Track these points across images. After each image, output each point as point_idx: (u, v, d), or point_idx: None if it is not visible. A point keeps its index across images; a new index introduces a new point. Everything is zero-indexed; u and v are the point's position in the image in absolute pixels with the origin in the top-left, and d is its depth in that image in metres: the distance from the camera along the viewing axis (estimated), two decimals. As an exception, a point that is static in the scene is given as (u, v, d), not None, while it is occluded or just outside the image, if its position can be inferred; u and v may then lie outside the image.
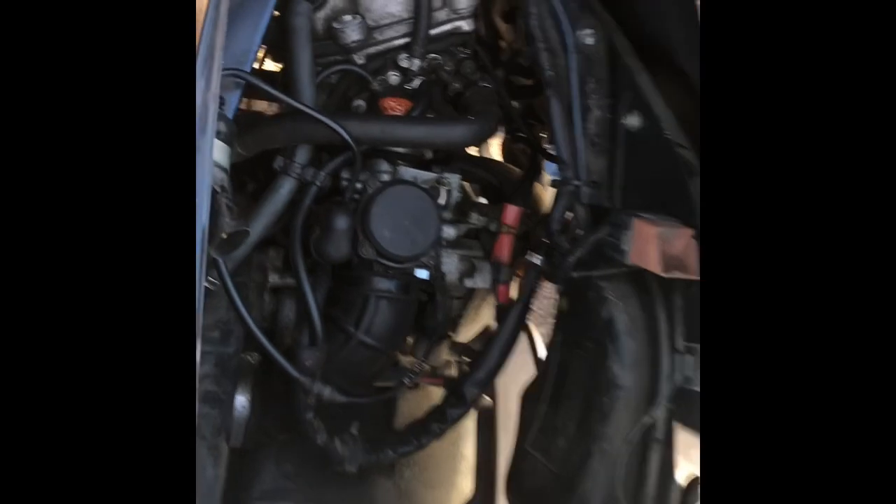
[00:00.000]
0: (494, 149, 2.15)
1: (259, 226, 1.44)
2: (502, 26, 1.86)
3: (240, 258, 1.45)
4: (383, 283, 1.44)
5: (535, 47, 1.42)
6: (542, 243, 1.49)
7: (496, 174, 1.76)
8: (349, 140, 1.38)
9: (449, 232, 1.53)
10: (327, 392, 1.39)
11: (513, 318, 1.58)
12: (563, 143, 1.42)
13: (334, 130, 1.37)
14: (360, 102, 1.54)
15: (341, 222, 1.38)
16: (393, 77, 1.53)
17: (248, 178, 1.61)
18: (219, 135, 1.19)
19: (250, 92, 1.63)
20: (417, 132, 1.40)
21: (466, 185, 1.88)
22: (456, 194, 1.54)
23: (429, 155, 1.55)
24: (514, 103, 1.78)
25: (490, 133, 1.45)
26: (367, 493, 1.71)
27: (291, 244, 1.41)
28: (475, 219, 1.66)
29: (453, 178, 1.53)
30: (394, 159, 1.51)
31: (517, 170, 1.83)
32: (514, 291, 1.62)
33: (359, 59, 1.53)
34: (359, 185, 1.45)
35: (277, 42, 1.62)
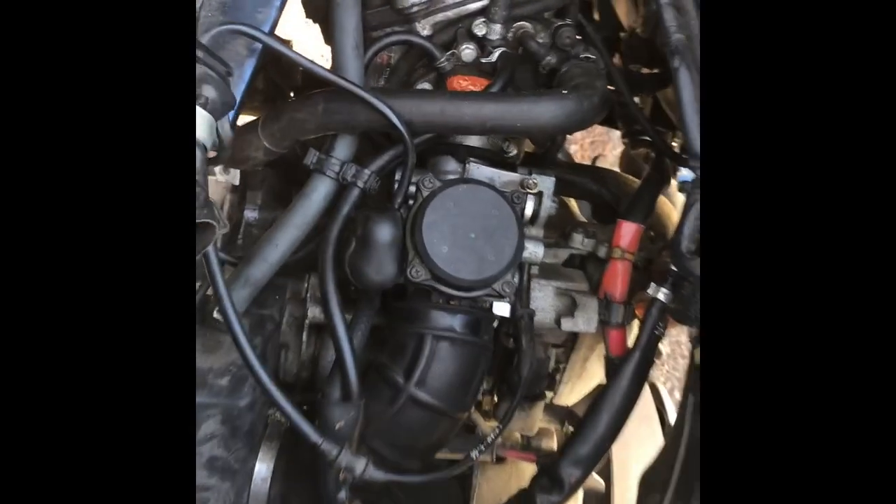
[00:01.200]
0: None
1: (286, 239, 1.09)
2: (620, 2, 1.47)
3: (260, 283, 1.11)
4: (444, 319, 1.05)
5: (658, 2, 1.02)
6: (668, 273, 1.07)
7: (608, 185, 1.35)
8: (397, 123, 1.02)
9: (539, 254, 1.13)
10: (361, 466, 1.01)
11: (629, 374, 1.15)
12: (695, 130, 1.00)
13: (377, 111, 1.02)
14: (424, 85, 1.19)
15: (384, 232, 1.01)
16: (467, 51, 1.16)
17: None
18: (204, 103, 0.86)
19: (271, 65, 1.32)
20: (488, 110, 1.02)
21: (572, 202, 1.48)
22: (549, 204, 1.14)
23: (512, 151, 1.16)
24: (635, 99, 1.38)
25: (592, 114, 1.05)
26: None
27: (321, 262, 1.06)
28: (579, 241, 1.26)
29: (545, 182, 1.14)
30: (463, 155, 1.14)
31: (636, 181, 1.41)
32: (631, 338, 1.21)
33: (423, 29, 1.18)
34: (412, 187, 1.08)
35: (319, 13, 1.31)
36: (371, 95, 1.03)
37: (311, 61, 1.03)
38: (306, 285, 1.22)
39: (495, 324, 1.15)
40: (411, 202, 1.09)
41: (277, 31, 1.77)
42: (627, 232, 1.20)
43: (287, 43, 1.62)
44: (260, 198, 1.33)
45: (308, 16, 1.38)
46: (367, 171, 1.08)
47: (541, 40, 1.19)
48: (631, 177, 1.41)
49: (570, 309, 1.23)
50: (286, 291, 1.22)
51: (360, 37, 1.10)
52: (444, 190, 1.03)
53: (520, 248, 1.04)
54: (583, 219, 1.45)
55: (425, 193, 1.06)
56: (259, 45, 1.02)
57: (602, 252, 1.25)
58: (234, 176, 1.25)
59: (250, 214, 1.29)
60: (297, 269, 1.20)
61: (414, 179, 1.09)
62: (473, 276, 1.02)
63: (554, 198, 1.16)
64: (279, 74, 1.50)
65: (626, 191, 1.38)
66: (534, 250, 1.11)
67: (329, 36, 1.12)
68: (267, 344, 1.17)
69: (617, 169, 1.60)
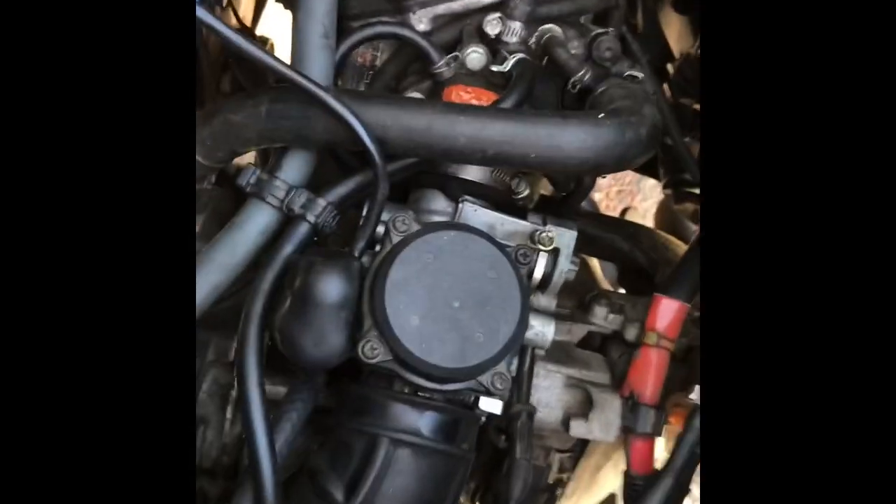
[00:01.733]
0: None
1: (205, 284, 0.80)
2: (673, 20, 1.18)
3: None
4: (406, 417, 0.75)
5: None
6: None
7: (642, 245, 1.05)
8: (365, 138, 0.74)
9: (548, 336, 0.82)
10: None
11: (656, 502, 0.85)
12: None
13: (340, 118, 0.73)
14: (414, 96, 0.90)
15: (331, 288, 0.71)
16: (474, 55, 0.87)
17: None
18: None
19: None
20: (494, 131, 0.73)
21: (594, 263, 1.18)
22: (567, 266, 0.84)
23: (523, 191, 0.87)
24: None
25: (637, 150, 0.76)
26: None
27: (244, 319, 0.76)
28: (601, 316, 0.97)
29: (565, 235, 0.84)
30: (456, 191, 0.84)
31: (680, 244, 1.10)
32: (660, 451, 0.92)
33: (419, 22, 0.89)
34: (381, 228, 0.78)
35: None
36: (332, 96, 0.74)
37: (256, 45, 0.74)
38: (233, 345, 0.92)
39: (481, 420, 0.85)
40: (377, 248, 0.79)
41: (258, 29, 1.51)
42: (667, 311, 0.91)
43: (256, 39, 1.36)
44: (200, 224, 1.04)
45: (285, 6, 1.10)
46: (321, 202, 0.79)
47: (573, 49, 0.90)
48: (672, 238, 1.11)
49: (584, 407, 0.93)
50: (208, 350, 0.92)
51: (331, 24, 0.81)
52: (422, 236, 0.73)
53: (522, 326, 0.74)
54: (607, 285, 1.15)
55: (395, 238, 0.76)
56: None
57: (631, 334, 0.95)
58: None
59: (179, 246, 1.00)
60: (227, 319, 0.90)
61: (385, 217, 0.79)
62: (452, 363, 0.71)
63: (574, 258, 0.86)
64: (246, 74, 1.23)
65: (666, 256, 1.07)
66: (541, 330, 0.81)
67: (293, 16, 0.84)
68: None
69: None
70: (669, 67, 1.25)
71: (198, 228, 1.04)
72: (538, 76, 0.86)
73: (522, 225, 0.83)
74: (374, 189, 0.76)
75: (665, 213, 1.31)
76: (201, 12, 0.71)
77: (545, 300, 0.86)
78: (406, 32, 0.87)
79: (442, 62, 0.87)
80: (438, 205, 0.84)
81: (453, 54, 0.88)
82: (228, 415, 0.93)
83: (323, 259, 0.72)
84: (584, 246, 0.98)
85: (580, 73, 0.87)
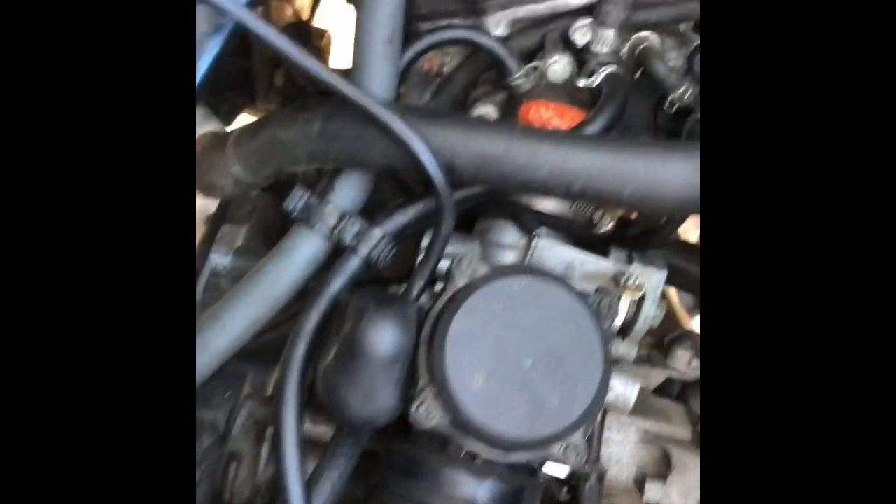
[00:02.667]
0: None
1: (242, 320, 0.71)
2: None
3: (203, 374, 0.73)
4: (464, 486, 0.65)
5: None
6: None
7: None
8: (430, 166, 0.64)
9: (630, 397, 0.72)
10: None
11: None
12: None
13: (402, 142, 0.63)
14: (486, 110, 0.79)
15: (384, 341, 0.61)
16: (557, 65, 0.76)
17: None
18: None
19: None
20: (581, 163, 0.62)
21: (675, 297, 1.06)
22: (653, 311, 0.74)
23: (606, 224, 0.76)
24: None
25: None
26: None
27: (284, 365, 0.67)
28: (683, 361, 0.88)
29: (653, 277, 0.73)
30: (531, 222, 0.73)
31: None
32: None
33: (496, 26, 0.79)
34: (443, 266, 0.69)
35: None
36: (396, 116, 0.64)
37: (306, 53, 0.65)
38: (277, 376, 0.83)
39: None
40: (438, 288, 0.69)
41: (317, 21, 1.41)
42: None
43: (307, 30, 1.27)
44: (242, 237, 0.96)
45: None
46: (376, 233, 0.69)
47: (671, 62, 0.79)
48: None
49: (661, 467, 0.82)
50: (245, 384, 0.83)
51: (397, 28, 0.71)
52: (491, 282, 0.63)
53: (602, 391, 0.63)
54: (688, 321, 1.03)
55: (459, 281, 0.66)
56: (228, 21, 0.64)
57: (718, 385, 0.83)
58: (210, 202, 0.89)
59: (219, 260, 0.91)
60: (265, 350, 0.82)
61: (449, 251, 0.69)
62: (521, 432, 0.61)
63: (662, 302, 0.75)
64: (300, 71, 1.14)
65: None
66: (623, 392, 0.70)
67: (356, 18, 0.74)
68: (201, 465, 0.79)
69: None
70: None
71: (240, 242, 0.96)
72: (631, 93, 0.75)
73: (605, 265, 0.72)
74: (437, 222, 0.66)
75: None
76: (244, 13, 0.62)
77: (625, 348, 0.75)
78: (481, 38, 0.76)
79: (520, 73, 0.77)
80: (509, 238, 0.74)
81: (533, 64, 0.77)
82: (264, 453, 0.85)
83: (376, 304, 0.62)
84: (669, 277, 0.87)
85: (680, 91, 0.75)
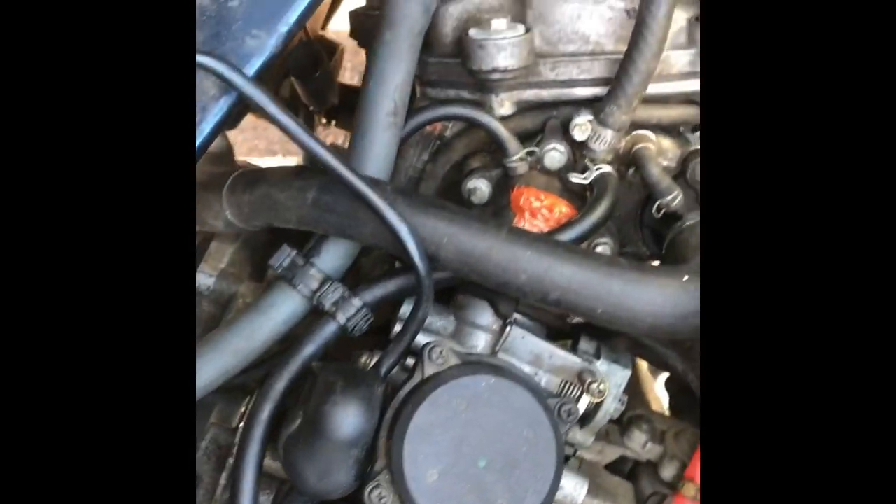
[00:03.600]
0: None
1: (214, 368, 0.73)
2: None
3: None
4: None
5: None
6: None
7: (697, 368, 0.95)
8: (415, 255, 0.65)
9: (577, 497, 0.73)
10: None
11: None
12: None
13: (390, 227, 0.65)
14: (479, 184, 0.81)
15: (347, 423, 0.63)
16: (554, 153, 0.78)
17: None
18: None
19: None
20: (561, 275, 0.64)
21: (642, 365, 1.09)
22: (614, 406, 0.76)
23: (576, 319, 0.78)
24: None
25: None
26: None
27: (245, 429, 0.69)
28: (638, 442, 0.89)
29: (616, 374, 0.76)
30: (507, 309, 0.75)
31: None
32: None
33: (500, 105, 0.80)
34: (418, 341, 0.71)
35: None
36: (388, 204, 0.65)
37: (303, 127, 0.66)
38: (243, 409, 0.86)
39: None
40: (410, 362, 0.71)
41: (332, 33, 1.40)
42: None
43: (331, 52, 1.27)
44: (227, 258, 0.96)
45: (361, 45, 1.01)
46: (356, 303, 0.71)
47: (665, 162, 0.80)
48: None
49: (603, 547, 0.85)
50: (211, 412, 0.85)
51: (402, 99, 0.72)
52: (458, 378, 0.65)
53: (551, 497, 0.66)
54: (654, 396, 1.06)
55: (428, 370, 0.68)
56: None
57: (668, 472, 0.87)
58: (199, 221, 0.89)
59: (203, 281, 0.92)
60: (234, 387, 0.83)
61: (424, 336, 0.71)
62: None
63: (623, 397, 0.77)
64: (305, 88, 1.14)
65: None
66: (571, 493, 0.72)
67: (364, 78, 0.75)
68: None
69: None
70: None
71: (225, 262, 0.97)
72: (622, 194, 0.76)
73: (572, 361, 0.74)
74: (416, 305, 0.68)
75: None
76: (251, 89, 0.63)
77: (582, 436, 0.78)
78: (483, 118, 0.78)
79: (517, 156, 0.78)
80: (485, 320, 0.75)
81: (530, 148, 0.79)
82: (223, 480, 0.87)
83: (343, 386, 0.64)
84: (637, 348, 0.89)
85: (669, 197, 0.77)
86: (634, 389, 1.05)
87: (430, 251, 0.66)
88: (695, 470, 0.82)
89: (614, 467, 0.92)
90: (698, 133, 0.83)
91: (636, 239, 0.84)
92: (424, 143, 0.86)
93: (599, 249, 0.83)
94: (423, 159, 0.86)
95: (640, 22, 0.71)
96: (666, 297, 0.64)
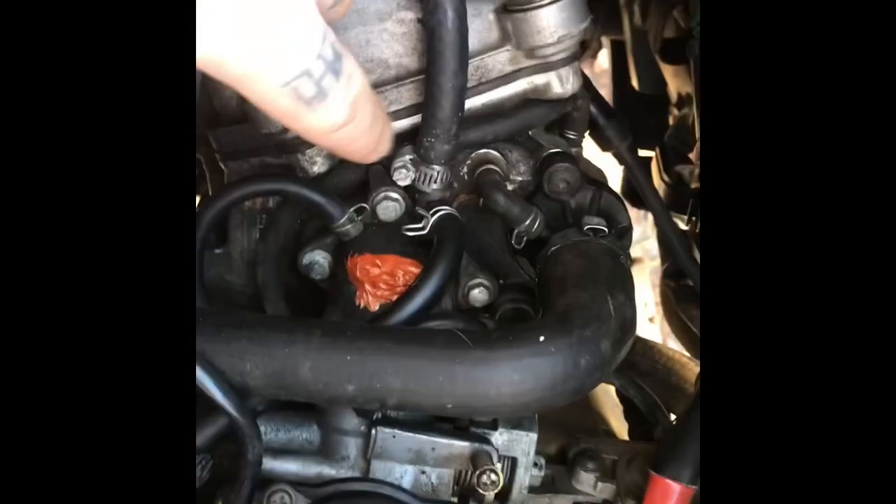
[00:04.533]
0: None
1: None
2: (667, 72, 0.95)
3: None
4: None
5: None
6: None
7: (645, 391, 0.83)
8: (217, 397, 0.53)
9: None
10: None
11: None
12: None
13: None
14: (317, 257, 0.69)
15: None
16: (386, 203, 0.66)
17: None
18: None
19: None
20: (392, 375, 0.52)
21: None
22: (529, 475, 0.65)
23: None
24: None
25: (599, 374, 0.54)
26: None
27: None
28: (588, 484, 0.78)
29: (521, 441, 0.64)
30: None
31: (689, 369, 0.89)
32: None
33: (312, 162, 0.68)
34: (275, 467, 0.59)
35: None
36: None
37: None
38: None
39: None
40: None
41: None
42: (666, 497, 0.70)
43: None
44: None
45: None
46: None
47: (520, 176, 0.68)
48: (680, 361, 0.89)
49: None
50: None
51: None
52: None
53: None
54: (610, 408, 0.94)
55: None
56: None
57: (624, 513, 0.75)
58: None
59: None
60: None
61: (285, 438, 0.59)
62: None
63: (539, 459, 0.66)
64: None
65: (677, 388, 0.86)
66: None
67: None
68: None
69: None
70: (671, 120, 1.01)
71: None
72: (477, 223, 0.64)
73: (460, 446, 0.62)
74: (241, 452, 0.56)
75: (670, 308, 1.07)
76: None
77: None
78: (290, 188, 0.65)
79: (344, 218, 0.65)
80: (349, 423, 0.63)
81: (359, 205, 0.66)
82: None
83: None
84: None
85: (525, 224, 0.65)
86: (581, 410, 0.93)
87: (237, 382, 0.54)
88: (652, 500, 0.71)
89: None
90: (551, 133, 0.71)
91: (515, 267, 0.72)
92: (250, 222, 0.74)
93: (475, 292, 0.71)
94: (254, 239, 0.74)
95: (430, 35, 0.59)
96: (524, 370, 0.52)
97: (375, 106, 0.55)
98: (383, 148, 0.59)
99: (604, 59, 1.62)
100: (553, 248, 0.63)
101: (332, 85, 0.49)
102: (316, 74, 0.48)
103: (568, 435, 0.85)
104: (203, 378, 0.53)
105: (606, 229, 0.63)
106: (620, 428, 1.02)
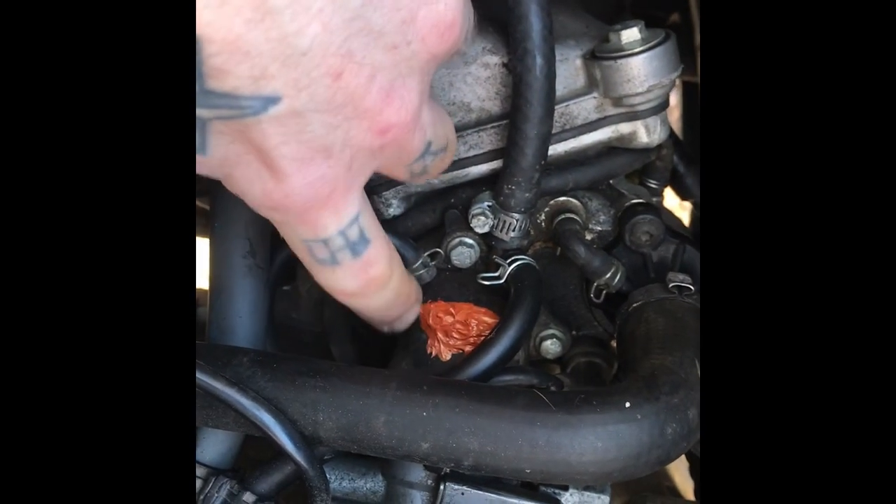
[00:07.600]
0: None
1: None
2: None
3: None
4: None
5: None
6: None
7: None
8: (287, 447, 0.52)
9: None
10: None
11: None
12: None
13: (251, 420, 0.52)
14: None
15: None
16: (461, 249, 0.64)
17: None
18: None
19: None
20: (469, 435, 0.50)
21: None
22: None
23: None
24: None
25: (685, 444, 0.52)
26: None
27: None
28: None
29: (593, 502, 0.61)
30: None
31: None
32: None
33: (388, 205, 0.66)
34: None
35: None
36: (236, 389, 0.52)
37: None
38: None
39: None
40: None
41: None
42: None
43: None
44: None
45: None
46: (247, 499, 0.58)
47: (599, 227, 0.66)
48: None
49: None
50: None
51: (258, 236, 0.59)
52: None
53: None
54: (674, 479, 0.90)
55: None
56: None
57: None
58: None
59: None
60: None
61: (348, 486, 0.58)
62: None
63: (609, 522, 0.63)
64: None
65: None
66: None
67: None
68: None
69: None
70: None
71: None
72: (552, 272, 0.62)
73: (530, 507, 0.60)
74: (310, 502, 0.54)
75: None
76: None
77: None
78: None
79: (419, 263, 0.64)
80: (416, 476, 0.61)
81: (433, 250, 0.65)
82: None
83: None
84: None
85: (606, 277, 0.62)
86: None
87: (309, 432, 0.52)
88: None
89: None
90: (632, 183, 0.69)
91: (589, 319, 0.70)
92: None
93: (548, 343, 0.69)
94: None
95: (516, 81, 0.57)
96: (608, 438, 0.49)
97: (398, 294, 0.59)
98: (400, 326, 0.63)
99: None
100: (635, 304, 0.60)
101: (346, 259, 0.53)
102: (332, 246, 0.52)
103: (632, 492, 0.82)
104: (274, 427, 0.52)
105: (692, 287, 0.60)
106: (685, 485, 0.98)
